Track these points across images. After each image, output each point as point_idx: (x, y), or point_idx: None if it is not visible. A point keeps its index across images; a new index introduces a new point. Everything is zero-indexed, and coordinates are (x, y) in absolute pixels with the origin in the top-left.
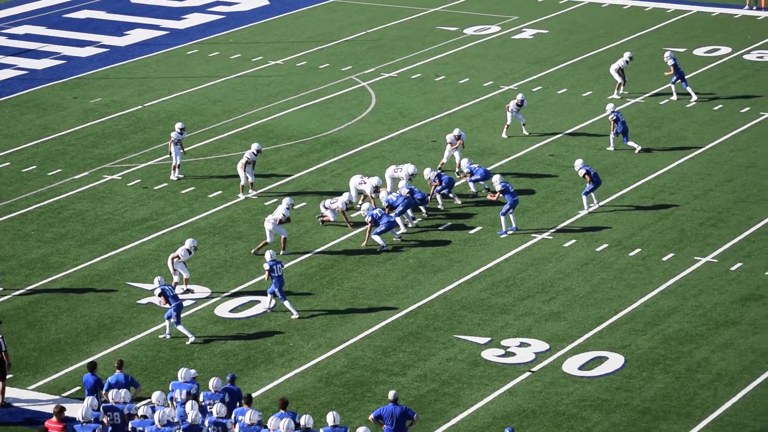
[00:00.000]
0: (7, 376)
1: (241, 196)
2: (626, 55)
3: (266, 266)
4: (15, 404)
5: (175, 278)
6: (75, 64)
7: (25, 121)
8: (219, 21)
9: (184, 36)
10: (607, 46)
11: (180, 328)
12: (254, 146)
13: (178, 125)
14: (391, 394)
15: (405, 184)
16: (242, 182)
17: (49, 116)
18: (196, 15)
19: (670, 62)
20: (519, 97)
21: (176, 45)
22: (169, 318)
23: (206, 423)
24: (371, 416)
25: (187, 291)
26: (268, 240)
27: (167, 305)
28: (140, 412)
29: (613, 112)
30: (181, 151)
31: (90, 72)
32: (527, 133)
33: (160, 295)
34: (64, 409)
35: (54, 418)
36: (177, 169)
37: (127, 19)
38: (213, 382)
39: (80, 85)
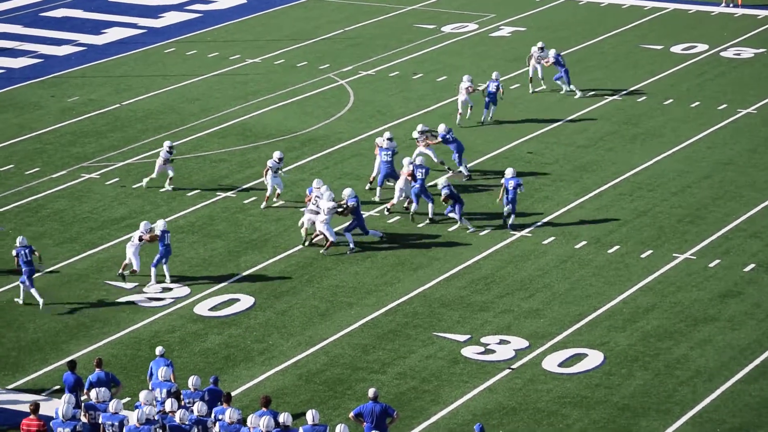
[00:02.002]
0: None
1: (263, 206)
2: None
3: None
4: None
5: (135, 267)
6: (52, 63)
7: (2, 120)
8: (196, 19)
9: (161, 34)
10: (584, 44)
11: (33, 291)
12: (276, 154)
13: (167, 144)
14: (370, 391)
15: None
16: (268, 192)
17: (26, 115)
18: (174, 13)
19: (553, 60)
20: (465, 80)
21: (153, 43)
22: (23, 283)
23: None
24: (351, 414)
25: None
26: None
27: (18, 267)
28: (111, 408)
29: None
30: (171, 164)
31: (67, 71)
32: (466, 119)
33: (16, 256)
34: (39, 405)
35: (31, 416)
36: (170, 181)
37: (105, 18)
38: (192, 381)
39: (57, 83)
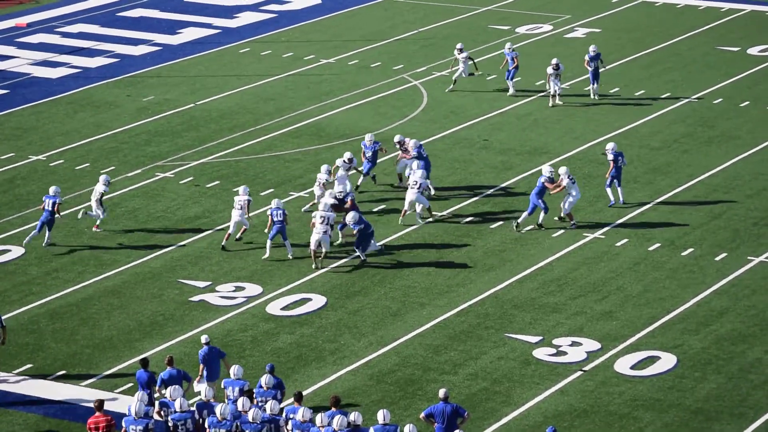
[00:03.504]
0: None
1: (421, 221)
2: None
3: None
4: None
5: (245, 225)
6: (128, 63)
7: (78, 119)
8: (271, 20)
9: (236, 34)
10: (659, 45)
11: (32, 235)
12: (421, 178)
13: (347, 155)
14: (441, 392)
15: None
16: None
17: (102, 114)
18: (249, 14)
19: (511, 55)
20: (553, 61)
21: (228, 43)
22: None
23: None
24: (422, 414)
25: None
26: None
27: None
28: (177, 407)
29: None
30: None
31: (143, 70)
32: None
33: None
34: (103, 402)
35: (97, 413)
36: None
37: (180, 18)
38: (265, 379)
39: (133, 83)
